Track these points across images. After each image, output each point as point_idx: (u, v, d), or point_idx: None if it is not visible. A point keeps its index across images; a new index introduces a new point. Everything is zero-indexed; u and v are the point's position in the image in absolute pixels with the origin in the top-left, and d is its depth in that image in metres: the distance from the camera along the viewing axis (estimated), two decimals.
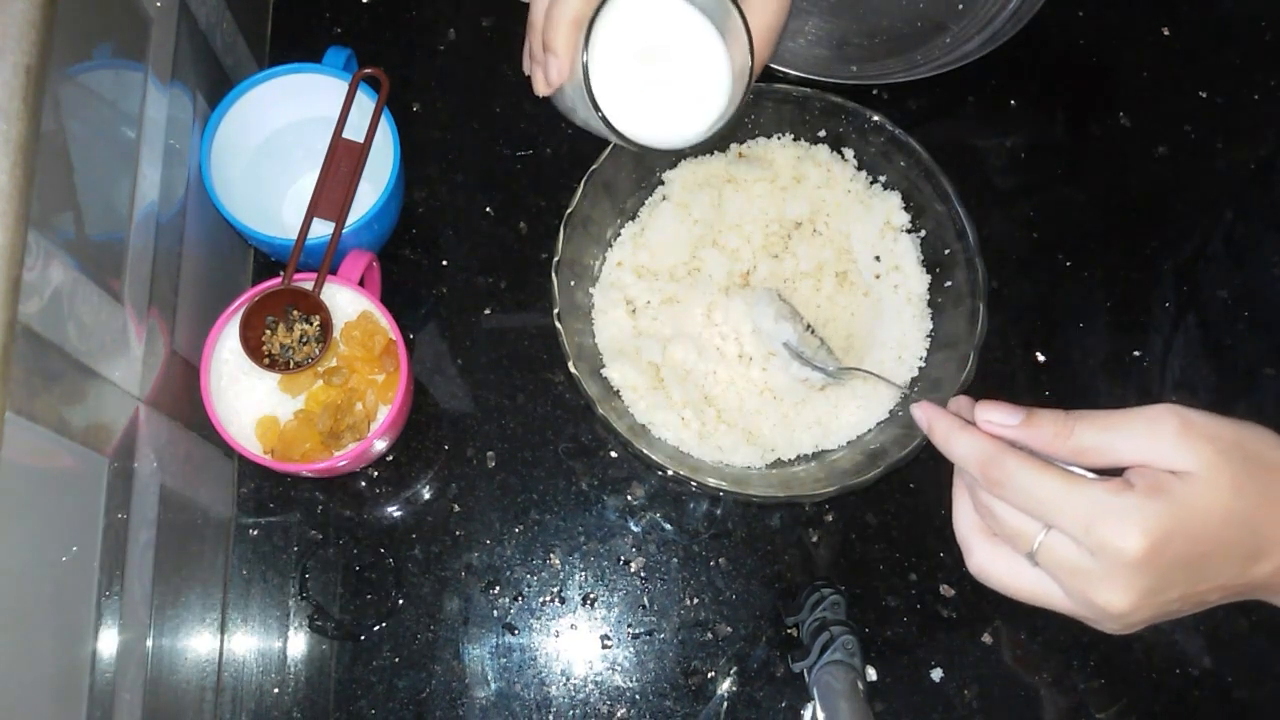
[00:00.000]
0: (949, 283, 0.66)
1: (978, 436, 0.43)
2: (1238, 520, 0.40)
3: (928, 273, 0.68)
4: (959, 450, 0.44)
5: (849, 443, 0.66)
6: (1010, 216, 0.76)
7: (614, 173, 0.66)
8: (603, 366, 0.66)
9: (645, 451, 0.60)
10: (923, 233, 0.68)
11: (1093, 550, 0.40)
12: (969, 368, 0.61)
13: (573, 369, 0.60)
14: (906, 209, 0.69)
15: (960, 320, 0.64)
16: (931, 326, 0.67)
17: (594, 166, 0.64)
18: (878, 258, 0.69)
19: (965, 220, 0.64)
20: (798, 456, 0.66)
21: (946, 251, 0.66)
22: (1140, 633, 0.63)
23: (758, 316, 0.65)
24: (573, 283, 0.66)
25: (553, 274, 0.62)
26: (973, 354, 0.62)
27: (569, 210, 0.63)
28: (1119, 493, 0.40)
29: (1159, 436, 0.40)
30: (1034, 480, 0.41)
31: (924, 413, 0.46)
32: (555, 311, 0.61)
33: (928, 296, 0.68)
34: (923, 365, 0.67)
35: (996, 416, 0.43)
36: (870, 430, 0.66)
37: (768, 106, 0.68)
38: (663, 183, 0.70)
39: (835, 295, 0.68)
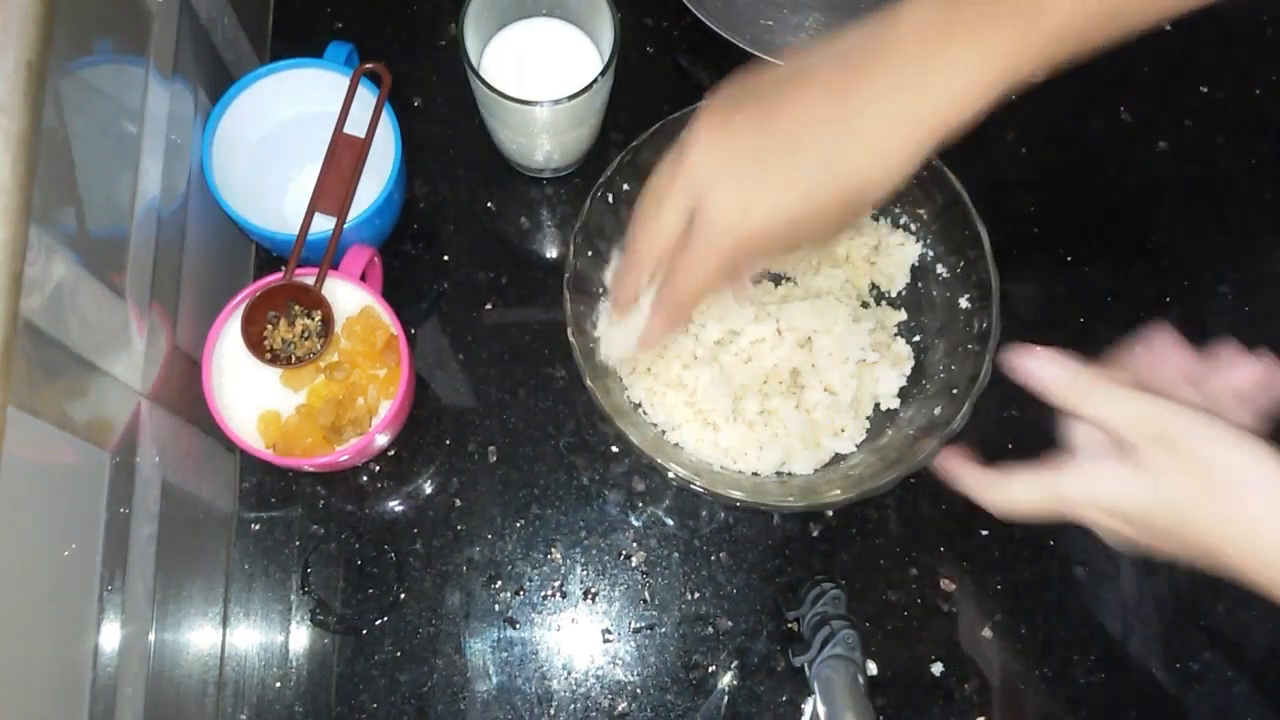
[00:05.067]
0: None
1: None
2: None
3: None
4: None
5: (863, 447, 0.66)
6: (1011, 211, 0.76)
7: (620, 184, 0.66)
8: (621, 380, 0.66)
9: (661, 463, 0.59)
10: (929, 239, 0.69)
11: None
12: (984, 369, 0.61)
13: (588, 382, 0.60)
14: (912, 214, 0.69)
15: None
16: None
17: (601, 180, 0.64)
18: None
19: (978, 225, 0.64)
20: (817, 467, 0.65)
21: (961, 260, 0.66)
22: (1139, 628, 0.64)
23: None
24: (583, 307, 0.65)
25: (565, 290, 0.62)
26: (988, 356, 0.61)
27: (578, 223, 0.63)
28: None
29: None
30: None
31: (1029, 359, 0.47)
32: (569, 329, 0.61)
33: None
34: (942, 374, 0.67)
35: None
36: (886, 436, 0.66)
37: None
38: None
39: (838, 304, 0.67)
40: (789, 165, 0.44)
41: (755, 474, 0.64)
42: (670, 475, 0.59)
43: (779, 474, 0.65)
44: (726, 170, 0.45)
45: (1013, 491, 0.47)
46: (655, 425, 0.66)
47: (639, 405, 0.66)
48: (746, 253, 0.47)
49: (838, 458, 0.65)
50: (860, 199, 0.45)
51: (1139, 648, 0.67)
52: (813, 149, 0.44)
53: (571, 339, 0.60)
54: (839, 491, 0.60)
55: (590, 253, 0.65)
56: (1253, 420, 0.48)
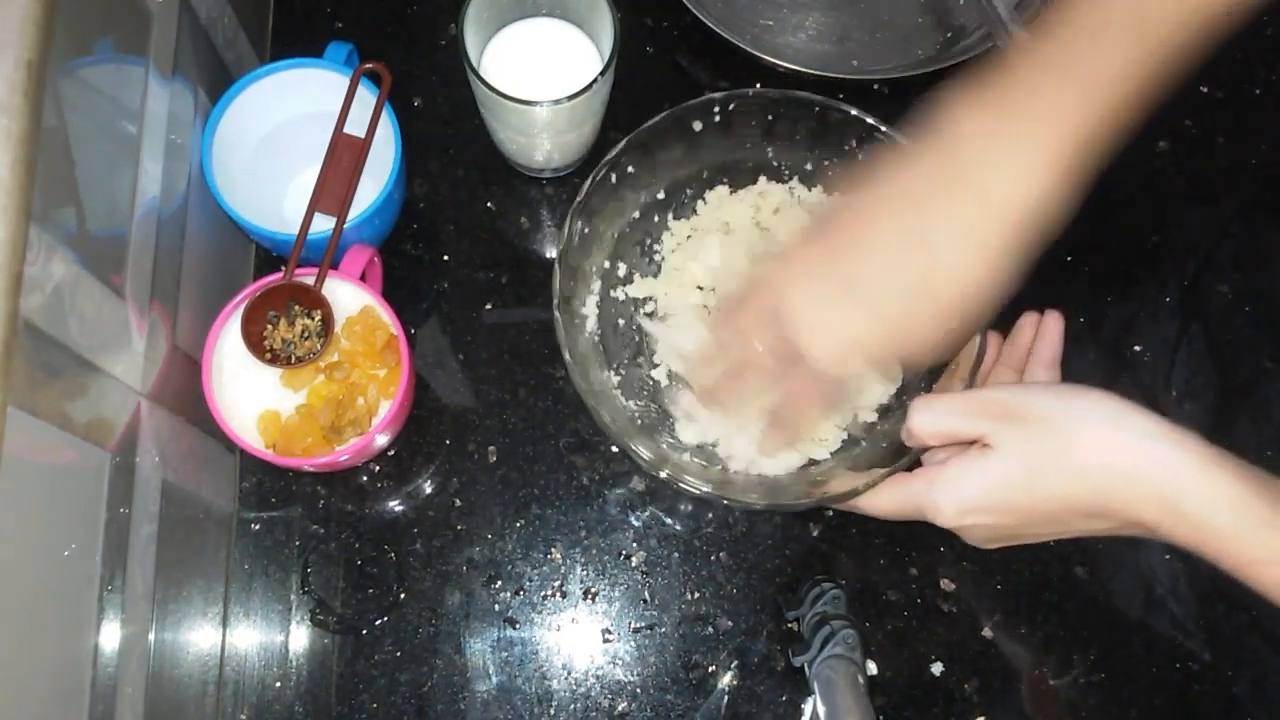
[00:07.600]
0: None
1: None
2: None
3: None
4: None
5: (836, 455, 0.65)
6: None
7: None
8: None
9: (631, 447, 0.59)
10: None
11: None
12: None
13: (567, 358, 0.60)
14: None
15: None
16: None
17: (604, 160, 0.64)
18: None
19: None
20: (788, 470, 0.65)
21: None
22: (1139, 628, 0.64)
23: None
24: (573, 282, 0.65)
25: (557, 266, 0.61)
26: (973, 380, 0.61)
27: (576, 202, 0.63)
28: None
29: None
30: None
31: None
32: (555, 303, 0.61)
33: None
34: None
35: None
36: (860, 448, 0.65)
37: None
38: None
39: None
40: (877, 309, 0.47)
41: (723, 468, 0.64)
42: (640, 463, 0.60)
43: (748, 471, 0.64)
44: (816, 317, 0.48)
45: (878, 500, 0.55)
46: (652, 378, 0.66)
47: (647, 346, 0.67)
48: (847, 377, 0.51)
49: (810, 463, 0.65)
50: (957, 310, 0.47)
51: (1139, 649, 0.67)
52: (896, 287, 0.46)
53: (556, 313, 0.60)
54: (804, 497, 0.60)
55: (586, 230, 0.65)
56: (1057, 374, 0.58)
